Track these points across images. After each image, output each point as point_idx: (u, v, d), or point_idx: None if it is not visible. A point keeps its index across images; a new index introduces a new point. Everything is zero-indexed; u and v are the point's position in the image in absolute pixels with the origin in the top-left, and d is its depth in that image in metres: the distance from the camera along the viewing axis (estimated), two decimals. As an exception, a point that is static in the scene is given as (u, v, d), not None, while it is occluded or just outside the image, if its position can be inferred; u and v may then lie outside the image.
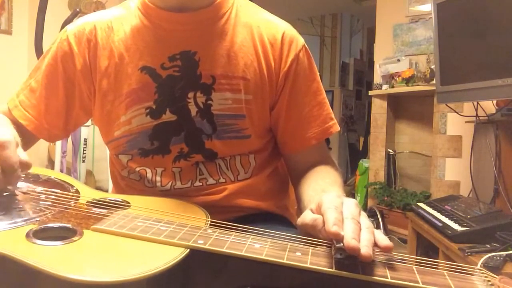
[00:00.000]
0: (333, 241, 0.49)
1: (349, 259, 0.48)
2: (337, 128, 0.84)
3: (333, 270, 0.46)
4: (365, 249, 0.46)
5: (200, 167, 0.79)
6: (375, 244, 0.49)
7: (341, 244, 0.47)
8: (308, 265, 0.47)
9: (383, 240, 0.49)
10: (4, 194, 0.62)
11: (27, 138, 0.79)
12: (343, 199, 0.55)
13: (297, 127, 0.81)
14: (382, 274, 0.46)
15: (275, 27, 0.80)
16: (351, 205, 0.53)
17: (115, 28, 0.78)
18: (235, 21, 0.79)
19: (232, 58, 0.76)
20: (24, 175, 0.66)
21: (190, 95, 0.75)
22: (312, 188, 0.74)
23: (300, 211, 0.77)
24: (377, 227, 3.11)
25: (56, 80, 0.80)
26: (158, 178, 0.79)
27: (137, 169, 0.80)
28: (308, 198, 0.73)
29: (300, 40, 0.82)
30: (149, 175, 0.79)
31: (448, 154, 2.87)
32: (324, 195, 0.56)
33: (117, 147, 0.81)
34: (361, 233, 0.49)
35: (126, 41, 0.77)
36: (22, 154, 0.61)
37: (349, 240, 0.47)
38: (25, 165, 0.61)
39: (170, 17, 0.76)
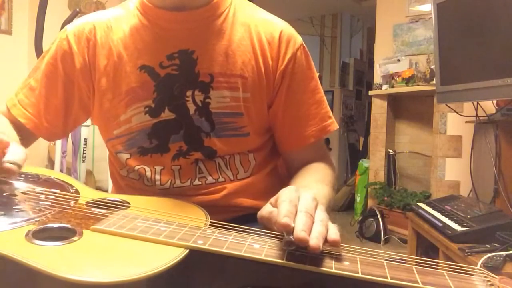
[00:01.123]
0: (283, 233, 0.50)
1: (349, 259, 0.48)
2: (335, 126, 0.84)
3: (333, 270, 0.46)
4: (314, 241, 0.47)
5: (199, 165, 0.79)
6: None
7: (291, 236, 0.48)
8: (307, 265, 0.47)
9: (332, 234, 0.50)
10: (4, 194, 0.63)
11: (26, 137, 0.80)
12: (301, 193, 0.55)
13: (295, 125, 0.82)
14: (382, 274, 0.46)
15: (273, 26, 0.81)
16: (307, 199, 0.53)
17: (114, 28, 0.79)
18: (233, 20, 0.79)
19: (230, 57, 0.76)
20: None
21: (188, 93, 0.76)
22: (298, 184, 0.74)
23: None
24: (377, 227, 3.12)
25: (56, 79, 0.80)
26: (157, 177, 0.79)
27: (136, 167, 0.80)
28: None
29: (298, 39, 0.82)
30: (148, 173, 0.80)
31: (448, 154, 2.87)
32: (284, 188, 0.57)
33: (116, 145, 0.81)
34: (313, 226, 0.49)
35: (125, 40, 0.77)
36: (10, 156, 0.58)
37: (298, 232, 0.47)
38: (9, 173, 0.58)
39: (168, 16, 0.76)
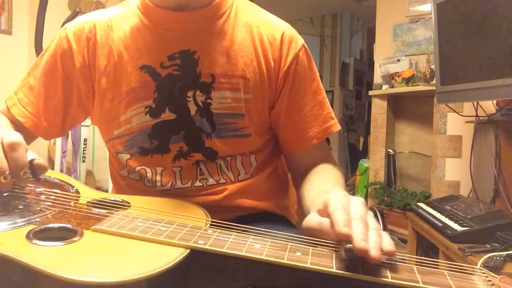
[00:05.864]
0: (341, 242, 0.49)
1: (350, 259, 0.48)
2: (337, 127, 0.84)
3: (334, 270, 0.46)
4: (374, 252, 0.46)
5: (200, 166, 0.79)
6: None
7: (350, 245, 0.47)
8: (308, 265, 0.47)
9: (387, 244, 0.48)
10: (4, 194, 0.62)
11: (25, 137, 0.80)
12: (350, 198, 0.54)
13: (297, 126, 0.81)
14: (383, 274, 0.46)
15: (275, 27, 0.80)
16: (359, 205, 0.52)
17: (114, 27, 0.78)
18: (235, 21, 0.79)
19: (232, 57, 0.76)
20: (41, 178, 0.65)
21: (190, 94, 0.75)
22: (315, 189, 0.73)
23: (301, 211, 0.76)
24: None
25: (55, 78, 0.80)
26: (158, 178, 0.79)
27: (137, 168, 0.80)
28: (310, 199, 0.72)
29: (300, 40, 0.82)
30: (149, 174, 0.79)
31: (448, 154, 2.87)
32: (330, 194, 0.55)
33: (117, 145, 0.81)
34: (369, 235, 0.48)
35: (126, 40, 0.77)
36: (36, 158, 0.62)
37: (358, 241, 0.46)
38: (41, 168, 0.61)
39: (169, 16, 0.76)
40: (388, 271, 0.47)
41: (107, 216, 0.58)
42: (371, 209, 3.25)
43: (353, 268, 0.47)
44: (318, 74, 0.84)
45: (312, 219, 0.56)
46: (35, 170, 0.62)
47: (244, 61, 0.77)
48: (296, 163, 0.86)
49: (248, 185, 0.81)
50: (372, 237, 0.48)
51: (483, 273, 0.48)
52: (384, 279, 0.45)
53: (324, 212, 0.54)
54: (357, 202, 0.53)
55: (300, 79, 0.80)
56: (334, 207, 0.51)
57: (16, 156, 0.57)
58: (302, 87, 0.81)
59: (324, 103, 0.83)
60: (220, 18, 0.78)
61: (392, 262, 0.49)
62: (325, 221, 0.53)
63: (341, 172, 0.82)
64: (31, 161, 0.61)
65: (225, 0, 0.79)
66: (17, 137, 0.59)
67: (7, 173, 0.57)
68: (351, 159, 5.46)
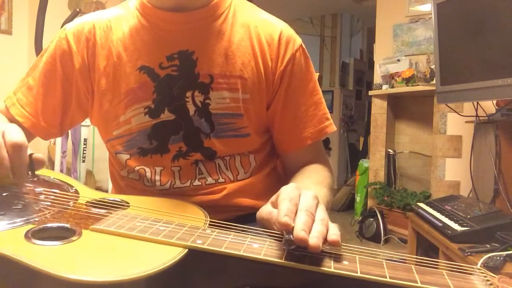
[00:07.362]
0: (283, 232, 0.49)
1: (348, 258, 0.48)
2: (333, 128, 0.84)
3: (332, 269, 0.46)
4: (314, 240, 0.46)
5: (199, 166, 0.79)
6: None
7: (291, 235, 0.47)
8: (307, 265, 0.47)
9: (332, 234, 0.49)
10: (4, 194, 0.63)
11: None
12: (302, 191, 0.54)
13: (292, 126, 0.82)
14: (381, 274, 0.46)
15: (273, 27, 0.81)
16: (308, 197, 0.53)
17: (113, 28, 0.79)
18: (233, 21, 0.79)
19: (230, 58, 0.76)
20: (36, 176, 0.66)
21: (188, 94, 0.76)
22: None
23: None
24: (377, 227, 3.12)
25: (54, 78, 0.80)
26: (157, 177, 0.79)
27: (136, 168, 0.80)
28: None
29: (297, 40, 0.82)
30: (148, 174, 0.80)
31: (448, 154, 2.87)
32: (283, 187, 0.56)
33: (116, 146, 0.81)
34: (313, 225, 0.49)
35: (125, 41, 0.77)
36: (34, 153, 0.62)
37: (298, 231, 0.47)
38: (40, 163, 0.63)
39: (167, 17, 0.76)
40: (386, 271, 0.47)
41: (106, 216, 0.58)
42: (371, 209, 3.27)
43: (350, 268, 0.47)
44: (315, 74, 0.84)
45: (264, 210, 0.57)
46: (33, 164, 0.62)
47: (242, 61, 0.77)
48: (290, 164, 0.86)
49: (247, 184, 0.81)
50: (315, 227, 0.48)
51: (482, 272, 0.48)
52: (383, 278, 0.45)
53: (276, 203, 0.55)
54: (307, 195, 0.53)
55: (296, 80, 0.80)
56: (281, 198, 0.52)
57: (18, 156, 0.59)
58: (299, 87, 0.81)
59: (320, 103, 0.83)
60: (218, 18, 0.78)
61: (390, 262, 0.49)
62: (274, 212, 0.54)
63: (331, 173, 0.83)
64: (30, 155, 0.62)
65: (223, 0, 0.79)
66: (20, 137, 0.60)
67: (8, 171, 0.58)
68: (351, 159, 5.46)
